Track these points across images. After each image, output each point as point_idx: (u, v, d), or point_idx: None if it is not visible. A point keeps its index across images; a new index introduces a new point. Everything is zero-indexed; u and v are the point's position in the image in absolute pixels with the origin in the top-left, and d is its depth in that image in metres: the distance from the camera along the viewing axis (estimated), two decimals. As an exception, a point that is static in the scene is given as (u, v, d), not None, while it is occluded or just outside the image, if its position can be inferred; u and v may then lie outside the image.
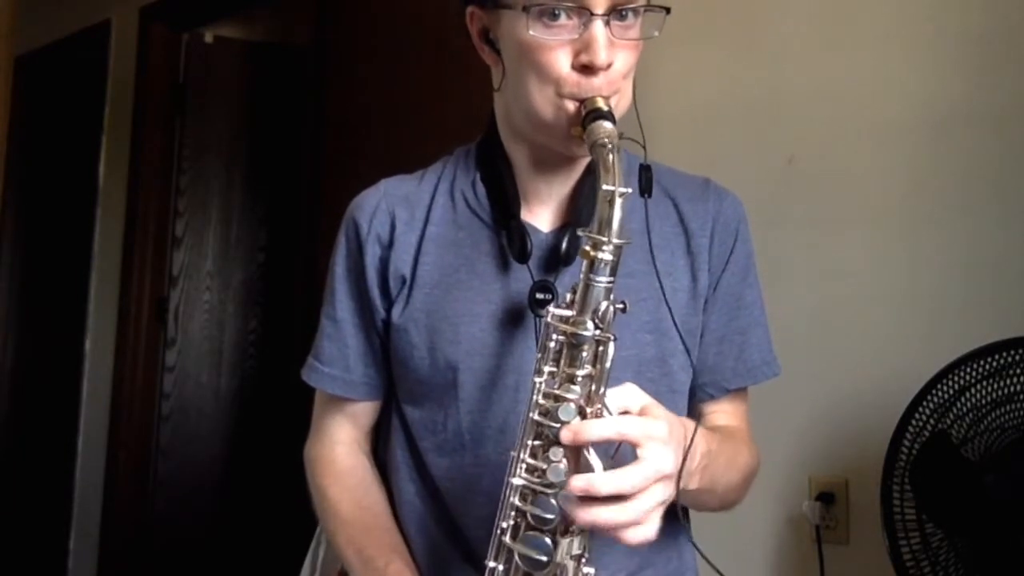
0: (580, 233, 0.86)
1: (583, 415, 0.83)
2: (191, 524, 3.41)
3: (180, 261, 3.52)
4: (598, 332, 0.84)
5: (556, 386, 0.85)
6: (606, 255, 0.83)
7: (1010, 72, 1.69)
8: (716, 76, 2.03)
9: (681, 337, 1.02)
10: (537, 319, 1.00)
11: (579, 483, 0.78)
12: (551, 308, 0.86)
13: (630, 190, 0.85)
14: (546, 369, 0.86)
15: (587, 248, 0.84)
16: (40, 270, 3.98)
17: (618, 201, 0.83)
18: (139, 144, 3.53)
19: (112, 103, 3.70)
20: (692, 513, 1.11)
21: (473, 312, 1.02)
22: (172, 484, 3.43)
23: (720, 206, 1.08)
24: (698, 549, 0.95)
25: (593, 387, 0.84)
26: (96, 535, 3.47)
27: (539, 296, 0.99)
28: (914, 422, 1.41)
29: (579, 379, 0.84)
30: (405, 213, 1.07)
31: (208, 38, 3.56)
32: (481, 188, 1.07)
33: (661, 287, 1.00)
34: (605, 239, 0.83)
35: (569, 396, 0.84)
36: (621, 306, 0.85)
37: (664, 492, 0.81)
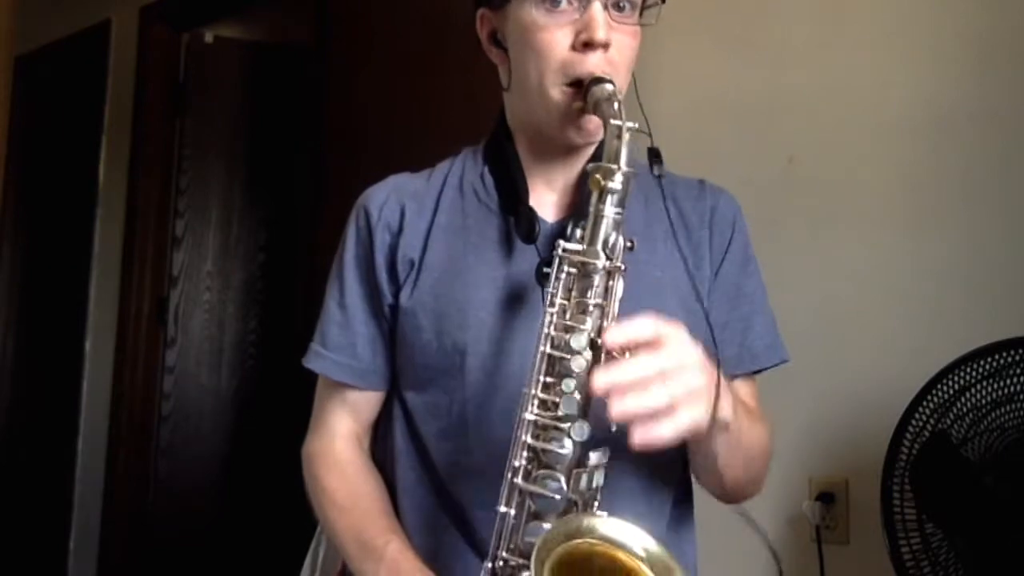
0: (589, 167, 0.89)
1: (594, 346, 0.84)
2: (191, 524, 3.41)
3: (180, 261, 3.51)
4: (609, 263, 0.86)
5: (567, 317, 0.86)
6: (615, 184, 0.86)
7: (1010, 72, 1.70)
8: (716, 76, 2.03)
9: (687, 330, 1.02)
10: (545, 293, 1.00)
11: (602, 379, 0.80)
12: (561, 241, 0.89)
13: (636, 124, 0.90)
14: (557, 301, 0.87)
15: (597, 176, 0.87)
16: (40, 270, 3.98)
17: (625, 136, 0.88)
18: (139, 144, 3.53)
19: (112, 103, 3.70)
20: (696, 508, 1.11)
21: (480, 297, 1.03)
22: (172, 484, 3.42)
23: (716, 201, 1.12)
24: (752, 522, 0.95)
25: (604, 319, 0.85)
26: (96, 535, 3.47)
27: (546, 270, 0.99)
28: (914, 422, 1.41)
29: (590, 309, 0.85)
30: (414, 205, 1.10)
31: (208, 38, 3.56)
32: (489, 180, 1.10)
33: (691, 273, 1.02)
34: (615, 167, 0.86)
35: (581, 326, 0.85)
36: (630, 244, 0.88)
37: (695, 380, 0.82)
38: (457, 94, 2.26)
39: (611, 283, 0.86)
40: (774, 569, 1.86)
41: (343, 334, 1.10)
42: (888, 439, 1.43)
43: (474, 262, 1.05)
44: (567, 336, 0.85)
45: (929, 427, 1.40)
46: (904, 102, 1.79)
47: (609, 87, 0.94)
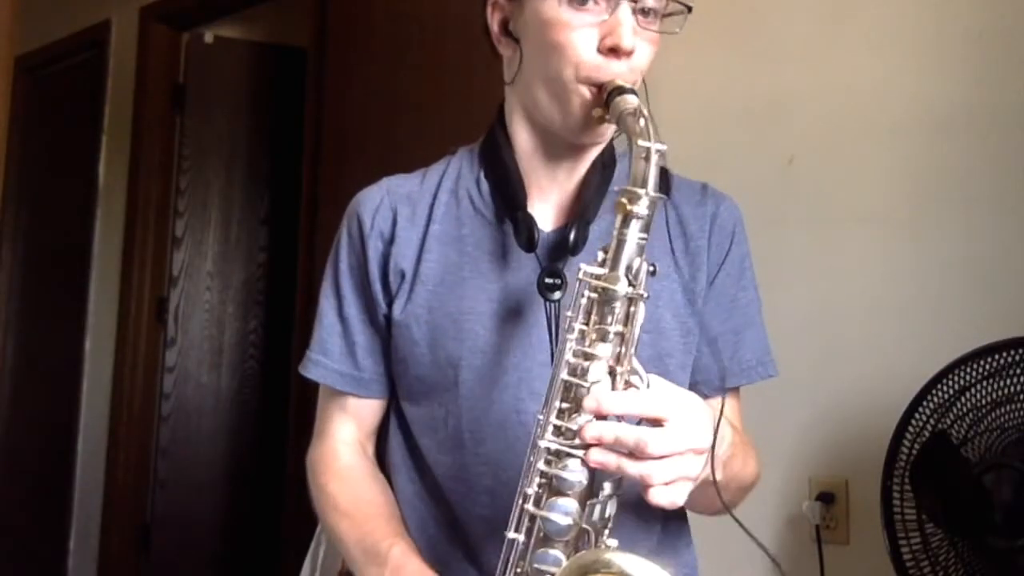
0: (615, 188, 0.86)
1: (612, 375, 0.83)
2: (191, 524, 3.41)
3: (180, 261, 3.52)
4: (630, 289, 0.83)
5: (586, 344, 0.84)
6: (641, 209, 0.83)
7: (1010, 72, 1.70)
8: (716, 76, 2.03)
9: (679, 339, 1.02)
10: (548, 304, 0.99)
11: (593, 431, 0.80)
12: (583, 265, 0.85)
13: (665, 146, 0.85)
14: (577, 326, 0.85)
15: (623, 200, 0.83)
16: (40, 270, 3.98)
17: (654, 157, 0.84)
18: (139, 144, 3.53)
19: (112, 103, 3.70)
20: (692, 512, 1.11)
21: (476, 310, 1.02)
22: (172, 484, 3.43)
23: (717, 209, 1.09)
24: (744, 528, 0.95)
25: (623, 347, 0.83)
26: (96, 535, 3.47)
27: (549, 281, 0.99)
28: (914, 422, 1.41)
29: (610, 337, 0.83)
30: (407, 210, 1.08)
31: (208, 38, 3.57)
32: (485, 185, 1.07)
33: (678, 282, 1.00)
34: (642, 192, 0.83)
35: (599, 354, 0.83)
36: (652, 268, 0.85)
37: (693, 466, 0.81)
38: (456, 94, 2.26)
39: (632, 309, 0.83)
40: (774, 570, 1.86)
41: (343, 343, 1.09)
42: (888, 439, 1.43)
43: (469, 274, 1.03)
44: (586, 363, 0.83)
45: (929, 427, 1.40)
46: (904, 102, 1.79)
47: (632, 100, 0.90)
